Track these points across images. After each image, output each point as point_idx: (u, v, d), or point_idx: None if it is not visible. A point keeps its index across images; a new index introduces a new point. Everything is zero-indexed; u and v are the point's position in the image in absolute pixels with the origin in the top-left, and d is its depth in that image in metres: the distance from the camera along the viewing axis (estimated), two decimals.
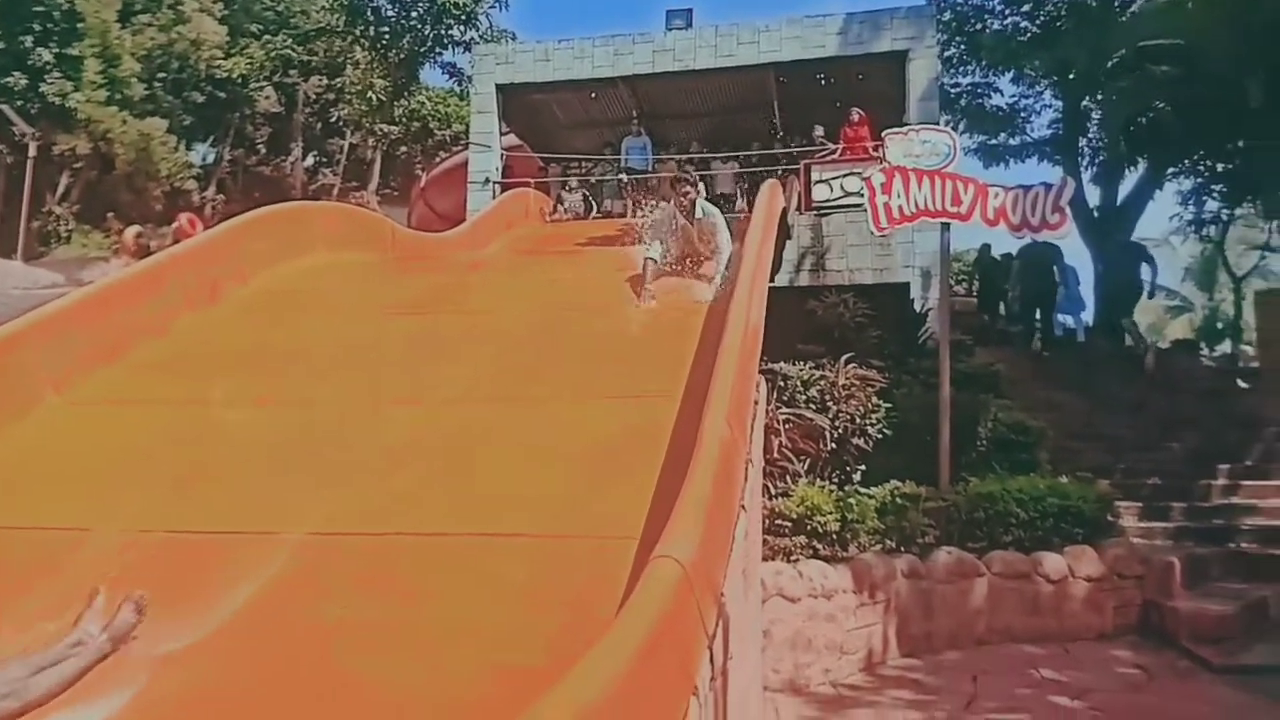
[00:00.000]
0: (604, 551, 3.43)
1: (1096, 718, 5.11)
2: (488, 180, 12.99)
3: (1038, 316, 13.11)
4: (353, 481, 4.18)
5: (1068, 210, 7.80)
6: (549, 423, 4.68)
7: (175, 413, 4.89)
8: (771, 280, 7.66)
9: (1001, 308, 13.76)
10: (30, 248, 20.15)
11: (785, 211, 9.87)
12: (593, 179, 14.41)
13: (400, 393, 5.06)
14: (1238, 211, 18.08)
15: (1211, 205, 17.13)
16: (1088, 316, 14.29)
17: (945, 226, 8.12)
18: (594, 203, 13.69)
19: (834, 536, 6.52)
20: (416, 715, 2.56)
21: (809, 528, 6.47)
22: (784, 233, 9.98)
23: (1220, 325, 23.98)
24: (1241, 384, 12.73)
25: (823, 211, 10.97)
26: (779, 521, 6.43)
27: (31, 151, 20.69)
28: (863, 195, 8.31)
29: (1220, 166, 15.76)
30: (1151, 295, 13.41)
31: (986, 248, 14.78)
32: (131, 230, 9.59)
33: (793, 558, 6.28)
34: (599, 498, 3.89)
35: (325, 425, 4.70)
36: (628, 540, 3.46)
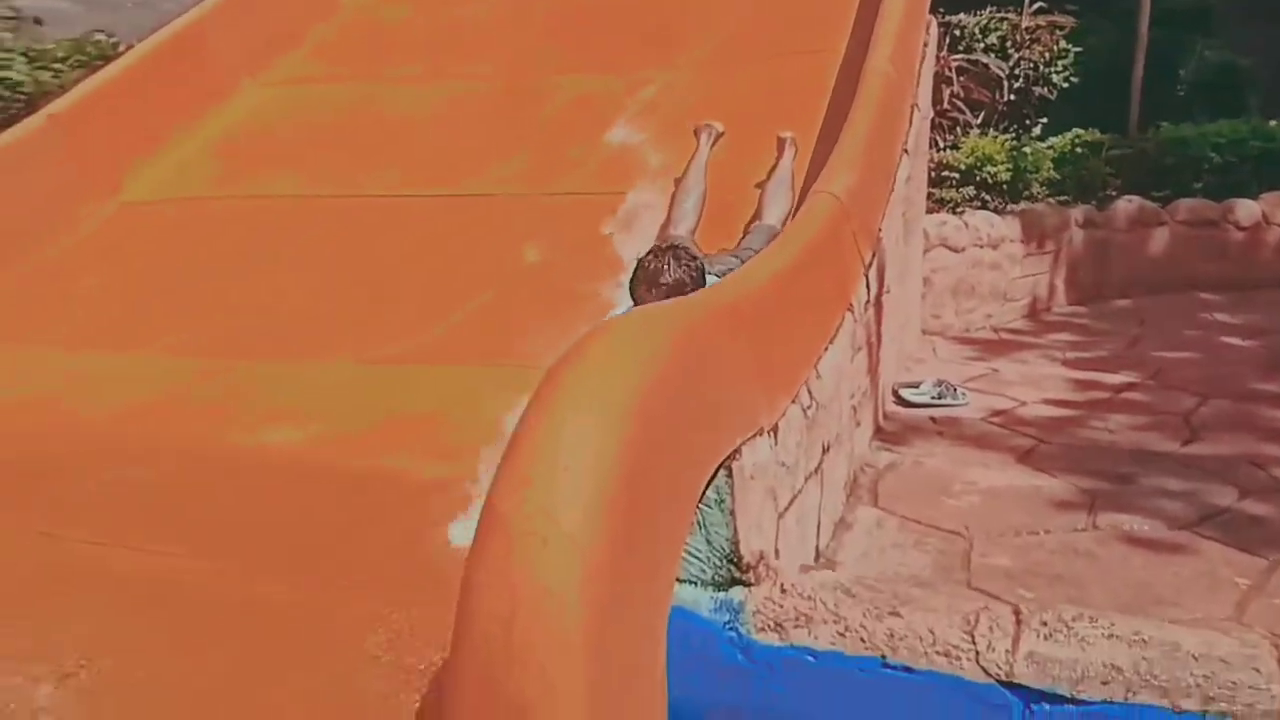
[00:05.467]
0: None
1: (1266, 354, 5.07)
2: None
3: None
4: (527, 146, 4.46)
5: None
6: (714, 83, 4.67)
7: (362, 89, 5.24)
8: None
9: None
10: None
11: None
12: None
13: (563, 62, 5.14)
14: None
15: None
16: None
17: None
18: None
19: (1004, 187, 6.34)
20: None
21: (978, 179, 6.29)
22: None
23: None
24: None
25: None
26: (946, 173, 6.30)
27: None
28: None
29: None
30: None
31: None
32: None
33: (958, 209, 6.22)
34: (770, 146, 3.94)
35: (495, 95, 4.94)
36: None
